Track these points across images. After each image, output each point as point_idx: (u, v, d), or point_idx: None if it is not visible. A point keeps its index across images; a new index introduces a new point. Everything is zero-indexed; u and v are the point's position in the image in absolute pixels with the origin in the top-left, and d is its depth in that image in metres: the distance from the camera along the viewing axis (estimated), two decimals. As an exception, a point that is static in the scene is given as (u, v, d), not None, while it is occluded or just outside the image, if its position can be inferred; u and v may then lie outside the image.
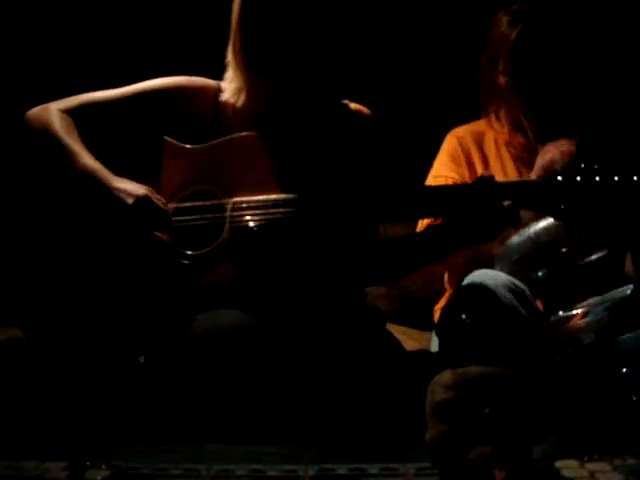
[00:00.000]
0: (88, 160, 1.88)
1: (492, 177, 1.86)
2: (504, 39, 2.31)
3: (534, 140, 2.35)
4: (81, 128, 1.94)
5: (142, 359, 1.90)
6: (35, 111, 1.97)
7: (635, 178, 1.74)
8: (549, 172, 2.00)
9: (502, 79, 2.34)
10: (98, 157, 1.90)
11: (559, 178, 1.79)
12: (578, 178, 1.77)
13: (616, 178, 1.75)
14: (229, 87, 1.98)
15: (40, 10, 3.06)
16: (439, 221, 1.98)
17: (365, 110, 2.07)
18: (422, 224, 2.26)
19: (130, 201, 1.84)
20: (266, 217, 1.86)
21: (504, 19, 2.33)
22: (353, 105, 2.06)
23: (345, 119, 2.04)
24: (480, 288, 1.88)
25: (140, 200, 1.85)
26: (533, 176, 2.13)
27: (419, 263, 2.07)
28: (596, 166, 1.77)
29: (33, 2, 3.06)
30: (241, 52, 1.94)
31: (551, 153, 2.13)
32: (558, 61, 2.32)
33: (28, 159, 1.98)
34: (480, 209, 1.83)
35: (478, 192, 1.84)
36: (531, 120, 2.36)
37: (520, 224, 1.98)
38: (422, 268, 2.16)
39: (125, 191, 1.86)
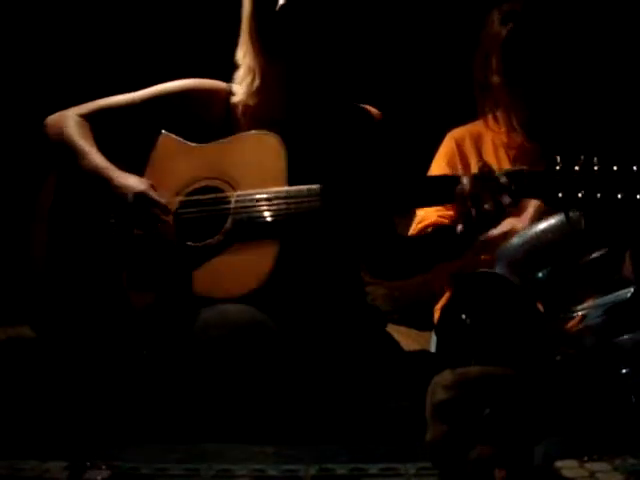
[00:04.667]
0: (97, 159, 1.93)
1: (486, 164, 1.86)
2: (496, 37, 2.32)
3: (529, 139, 2.36)
4: (97, 131, 2.00)
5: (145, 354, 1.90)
6: (54, 117, 2.03)
7: (635, 168, 1.73)
8: None
9: (495, 77, 2.35)
10: (113, 157, 1.95)
11: (557, 167, 1.79)
12: (577, 167, 1.77)
13: (615, 168, 1.75)
14: (240, 87, 2.00)
15: (53, 18, 3.15)
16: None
17: (374, 110, 2.09)
18: (420, 217, 2.29)
19: (130, 196, 1.88)
20: (269, 209, 1.86)
21: (496, 18, 2.35)
22: (362, 106, 2.08)
23: (354, 119, 2.06)
24: (480, 289, 1.89)
25: (138, 195, 1.88)
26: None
27: (435, 260, 2.08)
28: (595, 157, 1.77)
29: (47, 12, 3.12)
30: (256, 38, 1.94)
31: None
32: (549, 58, 2.33)
33: (44, 159, 2.04)
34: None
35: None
36: (524, 118, 2.37)
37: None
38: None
39: (126, 187, 1.89)
